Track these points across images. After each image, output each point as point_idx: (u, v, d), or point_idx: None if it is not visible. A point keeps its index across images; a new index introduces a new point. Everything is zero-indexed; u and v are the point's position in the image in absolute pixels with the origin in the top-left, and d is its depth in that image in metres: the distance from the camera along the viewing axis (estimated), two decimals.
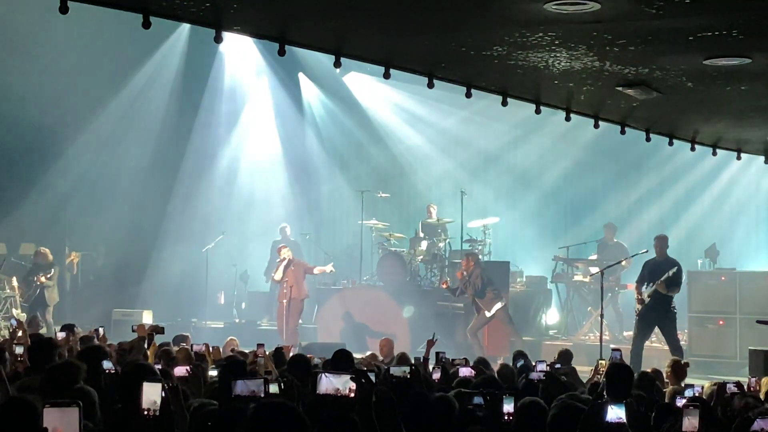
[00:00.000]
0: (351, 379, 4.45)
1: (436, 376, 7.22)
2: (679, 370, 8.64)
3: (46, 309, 15.68)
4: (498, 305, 15.18)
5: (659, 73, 8.78)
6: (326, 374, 4.51)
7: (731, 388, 6.74)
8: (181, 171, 19.61)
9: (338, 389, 4.44)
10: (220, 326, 17.75)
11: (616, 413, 4.50)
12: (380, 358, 10.17)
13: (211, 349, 8.47)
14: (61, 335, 9.15)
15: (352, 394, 4.44)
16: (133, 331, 8.71)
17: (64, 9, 6.88)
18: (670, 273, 12.61)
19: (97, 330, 9.72)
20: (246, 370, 6.37)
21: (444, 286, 16.15)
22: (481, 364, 8.42)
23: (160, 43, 18.69)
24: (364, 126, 21.18)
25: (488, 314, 15.17)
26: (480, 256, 16.68)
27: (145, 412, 4.29)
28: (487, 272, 15.64)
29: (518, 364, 8.92)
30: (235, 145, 20.50)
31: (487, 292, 15.21)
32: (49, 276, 15.87)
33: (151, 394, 4.32)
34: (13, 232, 17.21)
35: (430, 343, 8.89)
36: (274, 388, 5.26)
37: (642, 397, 6.49)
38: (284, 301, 15.70)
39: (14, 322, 9.91)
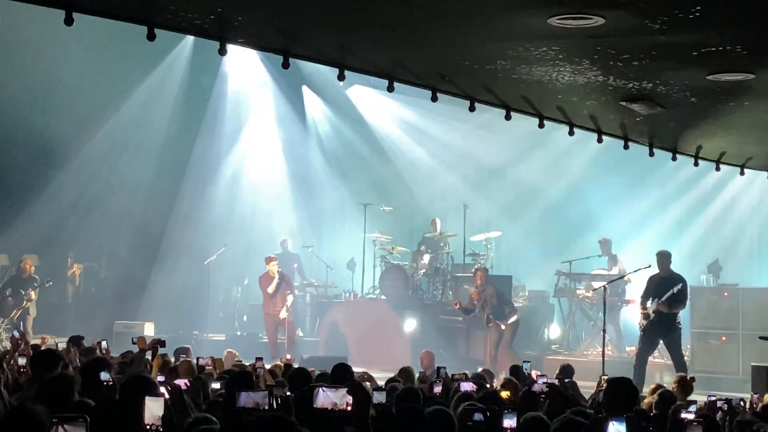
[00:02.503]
0: (347, 392, 4.42)
1: (437, 389, 7.19)
2: (685, 385, 8.64)
3: (27, 322, 15.68)
4: (514, 318, 15.08)
5: (663, 88, 8.77)
6: (323, 388, 4.48)
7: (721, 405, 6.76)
8: (183, 183, 19.62)
9: (336, 403, 4.41)
10: (221, 339, 17.71)
11: (616, 429, 4.47)
12: (421, 370, 10.25)
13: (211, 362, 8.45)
14: (63, 346, 9.12)
15: (350, 408, 4.42)
16: (134, 343, 8.70)
17: (69, 21, 6.90)
18: (675, 290, 12.52)
19: (99, 343, 9.70)
20: (253, 382, 6.35)
21: (456, 306, 15.75)
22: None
23: (164, 56, 18.72)
24: (367, 139, 21.19)
25: (503, 327, 14.99)
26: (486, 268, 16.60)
27: (148, 427, 4.27)
28: (498, 285, 15.49)
29: (525, 367, 9.13)
30: (238, 157, 20.52)
31: (505, 309, 15.06)
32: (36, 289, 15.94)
33: (154, 409, 4.30)
34: (15, 243, 17.18)
35: None
36: None
37: (642, 413, 6.45)
38: (276, 311, 15.62)
39: (17, 333, 9.89)
